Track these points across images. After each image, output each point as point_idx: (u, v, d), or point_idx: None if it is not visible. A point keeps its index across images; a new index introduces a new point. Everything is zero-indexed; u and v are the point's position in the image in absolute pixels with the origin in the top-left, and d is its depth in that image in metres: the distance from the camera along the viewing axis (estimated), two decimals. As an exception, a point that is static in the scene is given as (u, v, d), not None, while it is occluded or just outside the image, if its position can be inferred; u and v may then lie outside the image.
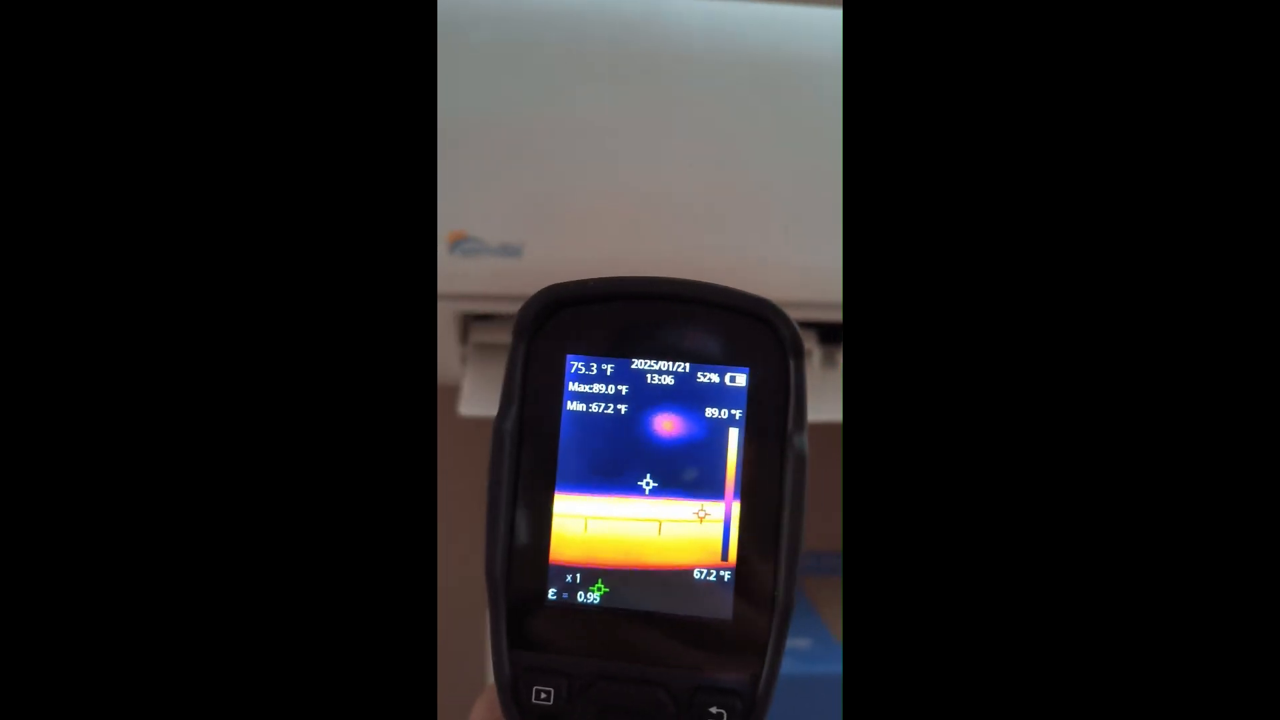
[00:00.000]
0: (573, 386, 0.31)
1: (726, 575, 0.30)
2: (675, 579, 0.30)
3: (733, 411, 0.30)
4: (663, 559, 0.30)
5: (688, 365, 0.30)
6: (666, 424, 0.30)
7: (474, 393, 0.58)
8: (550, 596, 0.30)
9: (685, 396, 0.30)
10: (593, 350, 0.31)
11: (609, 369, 0.31)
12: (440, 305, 0.57)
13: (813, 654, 0.58)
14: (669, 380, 0.30)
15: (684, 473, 0.30)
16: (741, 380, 0.30)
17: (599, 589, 0.30)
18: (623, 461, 0.30)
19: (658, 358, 0.31)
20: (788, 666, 0.56)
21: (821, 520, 0.29)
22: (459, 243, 0.55)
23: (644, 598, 0.30)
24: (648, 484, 0.30)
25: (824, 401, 0.57)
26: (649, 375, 0.30)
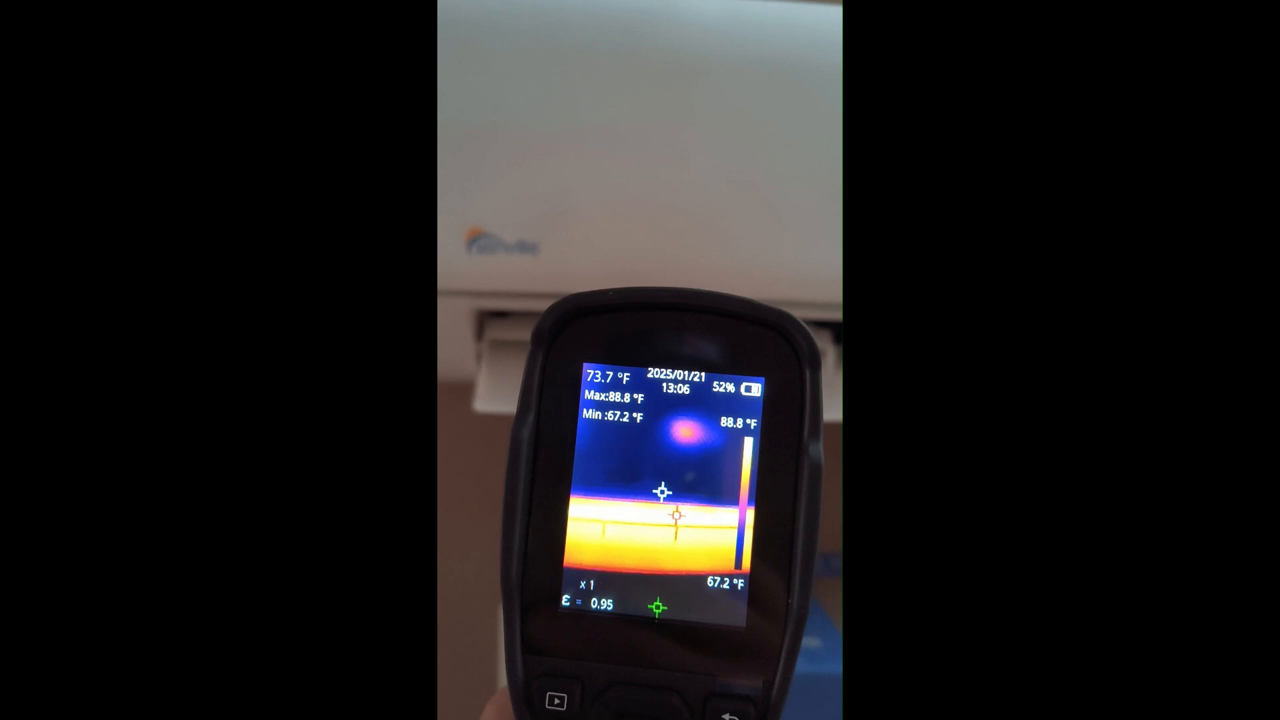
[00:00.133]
0: (589, 395, 0.31)
1: (740, 583, 0.30)
2: (689, 585, 0.30)
3: (748, 421, 0.30)
4: (677, 565, 0.30)
5: (703, 375, 0.31)
6: (682, 432, 0.31)
7: (489, 389, 0.59)
8: (564, 602, 0.30)
9: (701, 405, 0.31)
10: (609, 359, 0.31)
11: (625, 378, 0.31)
12: (456, 302, 0.58)
13: (823, 654, 0.59)
14: (685, 389, 0.31)
15: (699, 480, 0.30)
16: (757, 390, 0.31)
17: (612, 595, 0.30)
18: (638, 469, 0.30)
19: (673, 367, 0.31)
20: (798, 666, 0.57)
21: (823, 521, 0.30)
22: (476, 239, 0.55)
23: (658, 604, 0.30)
24: (662, 491, 0.30)
25: (839, 401, 0.58)
26: (665, 384, 0.31)
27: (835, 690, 0.56)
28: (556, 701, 0.30)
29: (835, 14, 0.54)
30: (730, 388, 0.31)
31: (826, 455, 0.30)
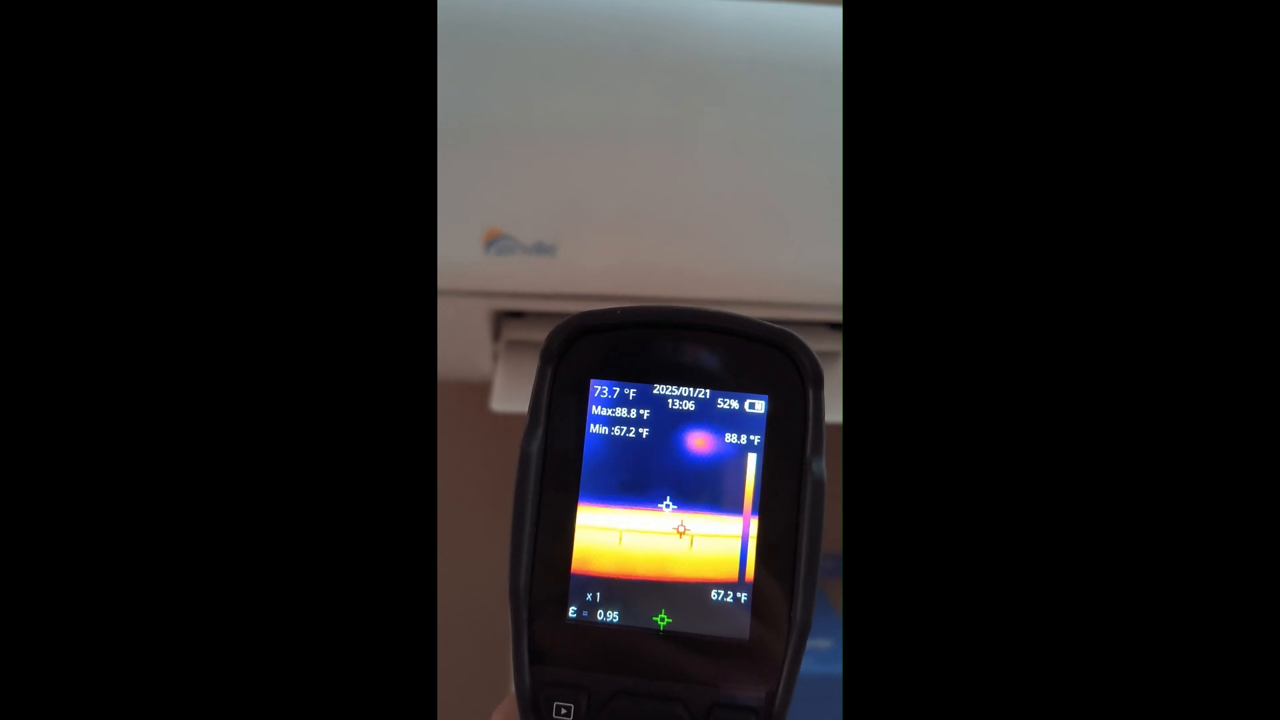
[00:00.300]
0: (596, 410, 0.31)
1: (744, 595, 0.31)
2: (693, 597, 0.31)
3: (751, 437, 0.31)
4: (681, 574, 0.31)
5: (708, 392, 0.31)
6: (686, 447, 0.31)
7: (506, 389, 0.59)
8: (571, 613, 0.31)
9: (705, 421, 0.31)
10: (616, 375, 0.32)
11: (631, 393, 0.31)
12: (474, 302, 0.58)
13: (834, 655, 0.59)
14: (689, 405, 0.31)
15: (703, 493, 0.31)
16: (760, 407, 0.31)
17: (618, 606, 0.31)
18: (643, 483, 0.31)
19: (679, 384, 0.31)
20: (809, 666, 0.57)
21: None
22: (494, 241, 0.56)
23: (662, 616, 0.31)
24: (667, 504, 0.31)
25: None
26: (670, 400, 0.31)
27: (846, 690, 0.56)
28: (563, 711, 0.30)
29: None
30: (734, 404, 0.31)
31: (826, 455, 0.31)
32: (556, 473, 0.31)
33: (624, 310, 0.32)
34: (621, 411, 0.31)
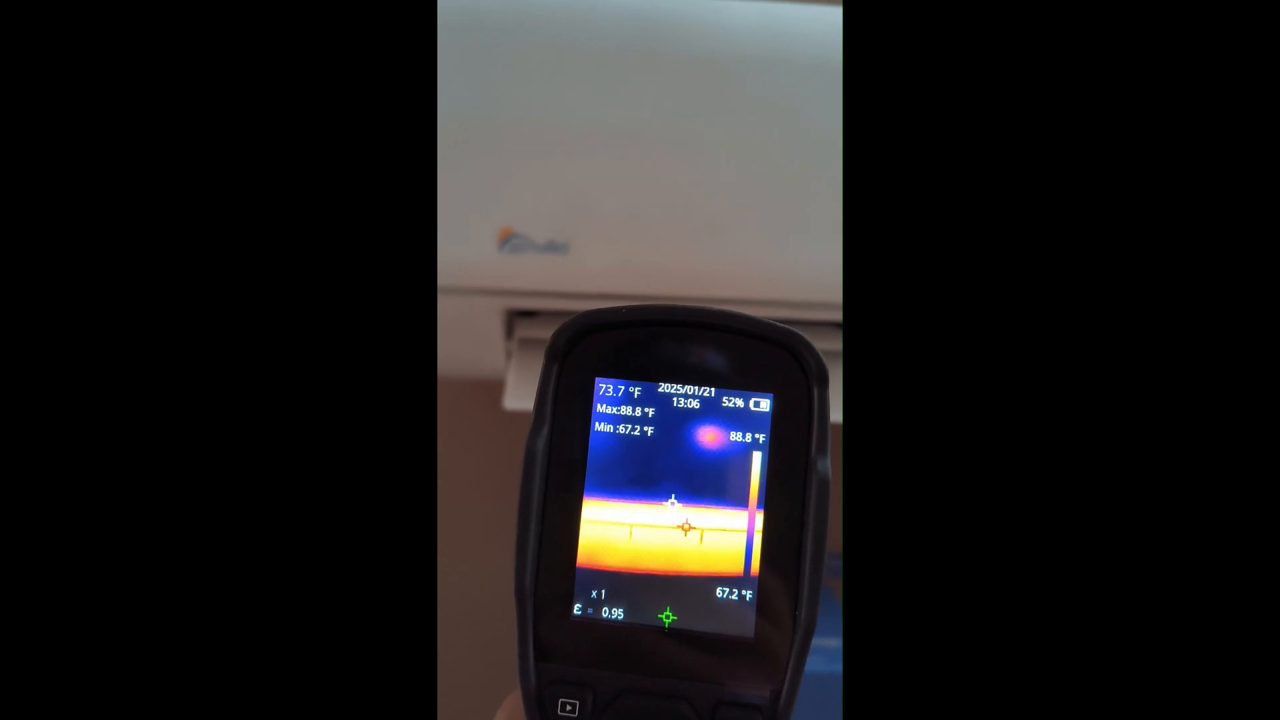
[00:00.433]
0: (601, 408, 0.32)
1: (749, 593, 0.31)
2: (698, 595, 0.31)
3: (756, 435, 0.31)
4: (687, 568, 0.31)
5: (713, 390, 0.31)
6: (691, 445, 0.31)
7: (518, 387, 0.59)
8: (576, 610, 0.31)
9: (710, 420, 0.31)
10: (621, 373, 0.32)
11: (636, 392, 0.32)
12: (486, 301, 0.59)
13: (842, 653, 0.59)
14: (695, 404, 0.31)
15: (708, 491, 0.31)
16: (765, 406, 0.31)
17: (623, 604, 0.31)
18: (648, 480, 0.31)
19: (684, 382, 0.32)
20: (821, 665, 0.57)
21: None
22: (507, 240, 0.56)
23: (667, 614, 0.31)
24: (672, 502, 0.31)
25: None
26: (675, 399, 0.31)
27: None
28: (568, 708, 0.30)
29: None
30: (739, 403, 0.31)
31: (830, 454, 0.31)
32: (562, 470, 0.31)
33: (629, 309, 0.32)
34: (627, 410, 0.32)
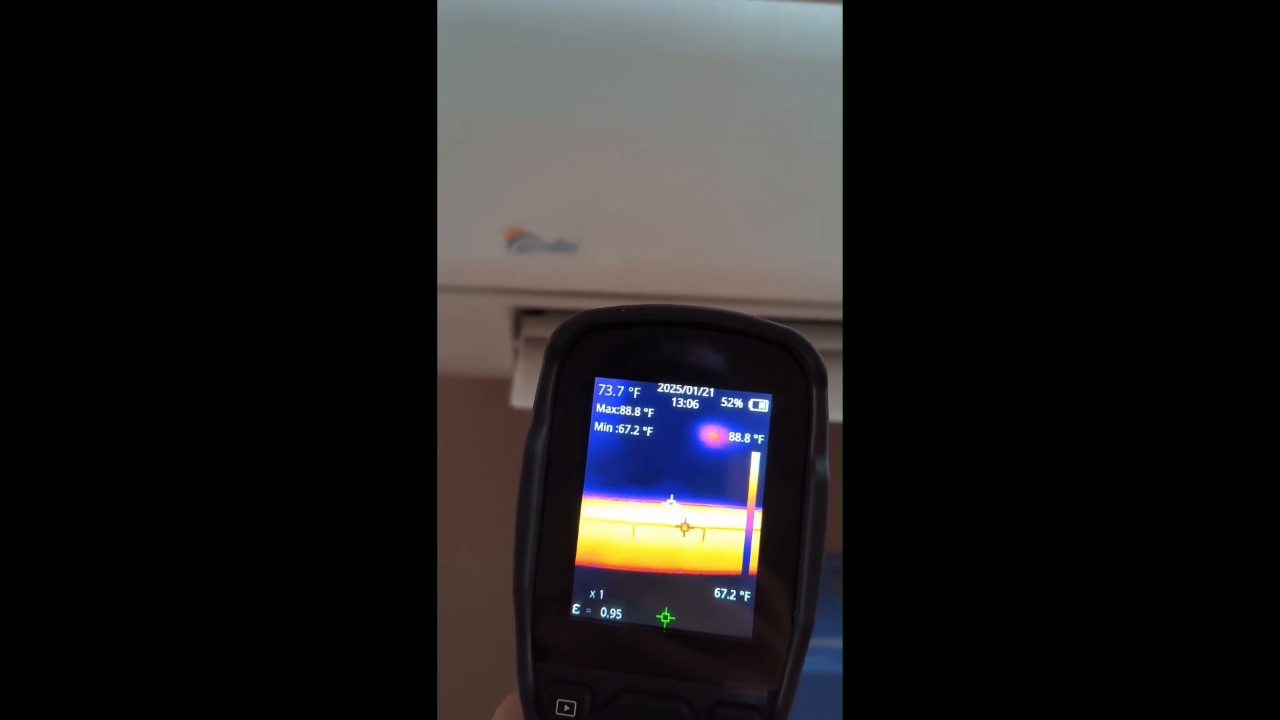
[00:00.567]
0: (601, 408, 0.32)
1: (747, 594, 0.31)
2: (697, 595, 0.31)
3: (755, 436, 0.31)
4: (685, 566, 0.31)
5: (712, 390, 0.31)
6: (690, 446, 0.31)
7: (526, 385, 0.59)
8: (575, 610, 0.31)
9: (709, 420, 0.31)
10: (621, 373, 0.32)
11: (636, 392, 0.32)
12: (495, 299, 0.59)
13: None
14: (694, 404, 0.31)
15: (707, 491, 0.31)
16: (764, 406, 0.31)
17: (622, 604, 0.31)
18: (647, 480, 0.31)
19: (683, 382, 0.32)
20: (822, 665, 0.57)
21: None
22: (516, 238, 0.56)
23: (665, 614, 0.31)
24: (671, 502, 0.31)
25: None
26: (674, 399, 0.31)
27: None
28: (566, 708, 0.30)
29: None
30: (738, 403, 0.31)
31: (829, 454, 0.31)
32: (561, 470, 0.32)
33: (629, 308, 0.32)
34: (626, 409, 0.32)
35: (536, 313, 0.62)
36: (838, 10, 0.54)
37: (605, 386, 0.32)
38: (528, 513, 0.31)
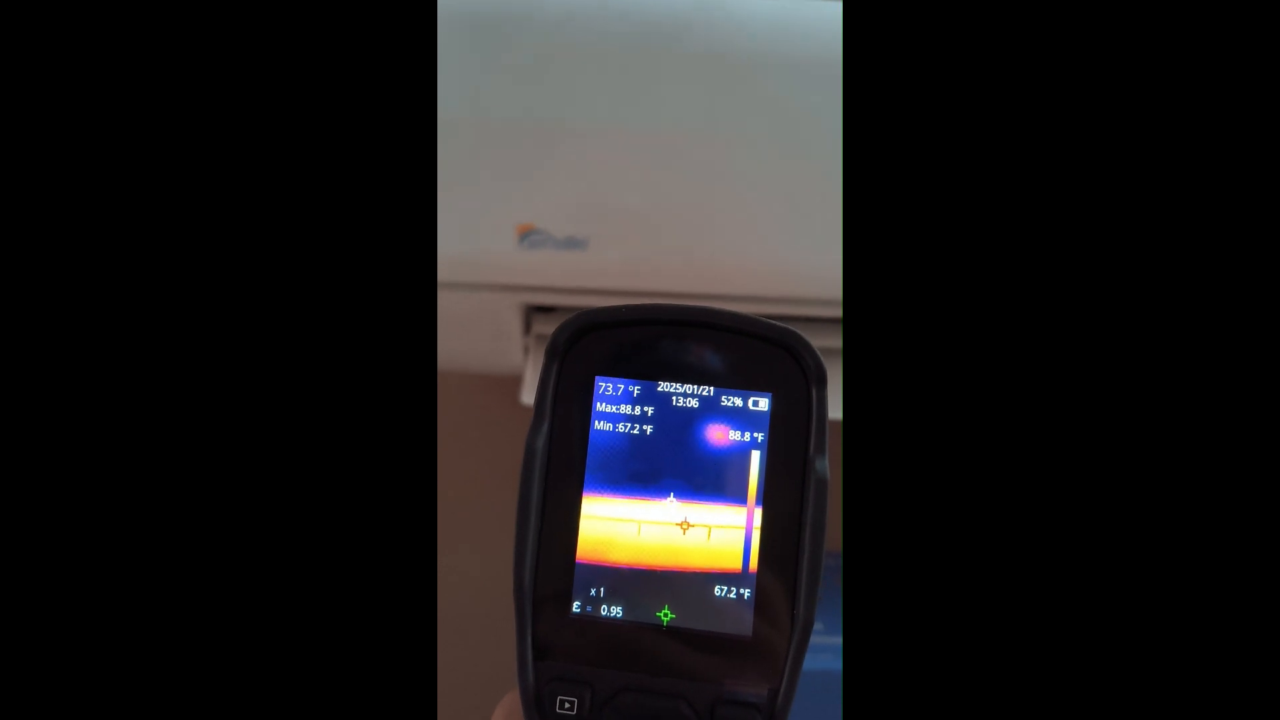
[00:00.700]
0: (601, 406, 0.32)
1: (747, 592, 0.31)
2: (697, 593, 0.31)
3: (755, 434, 0.31)
4: (685, 564, 0.31)
5: (712, 389, 0.31)
6: (690, 444, 0.31)
7: (536, 382, 0.59)
8: (575, 608, 0.31)
9: (709, 419, 0.31)
10: (621, 372, 0.32)
11: (636, 390, 0.32)
12: (505, 296, 0.59)
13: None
14: (694, 403, 0.31)
15: (707, 490, 0.31)
16: (764, 405, 0.31)
17: (622, 602, 0.31)
18: (647, 478, 0.31)
19: (683, 381, 0.32)
20: (827, 663, 0.57)
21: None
22: (527, 235, 0.56)
23: (666, 612, 0.31)
24: (671, 500, 0.31)
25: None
26: (674, 398, 0.32)
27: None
28: (567, 706, 0.30)
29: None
30: (738, 402, 0.31)
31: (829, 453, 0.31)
32: (561, 468, 0.32)
33: (629, 307, 0.32)
34: (626, 408, 0.32)
35: (547, 310, 0.62)
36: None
37: (605, 385, 0.32)
38: (528, 511, 0.31)
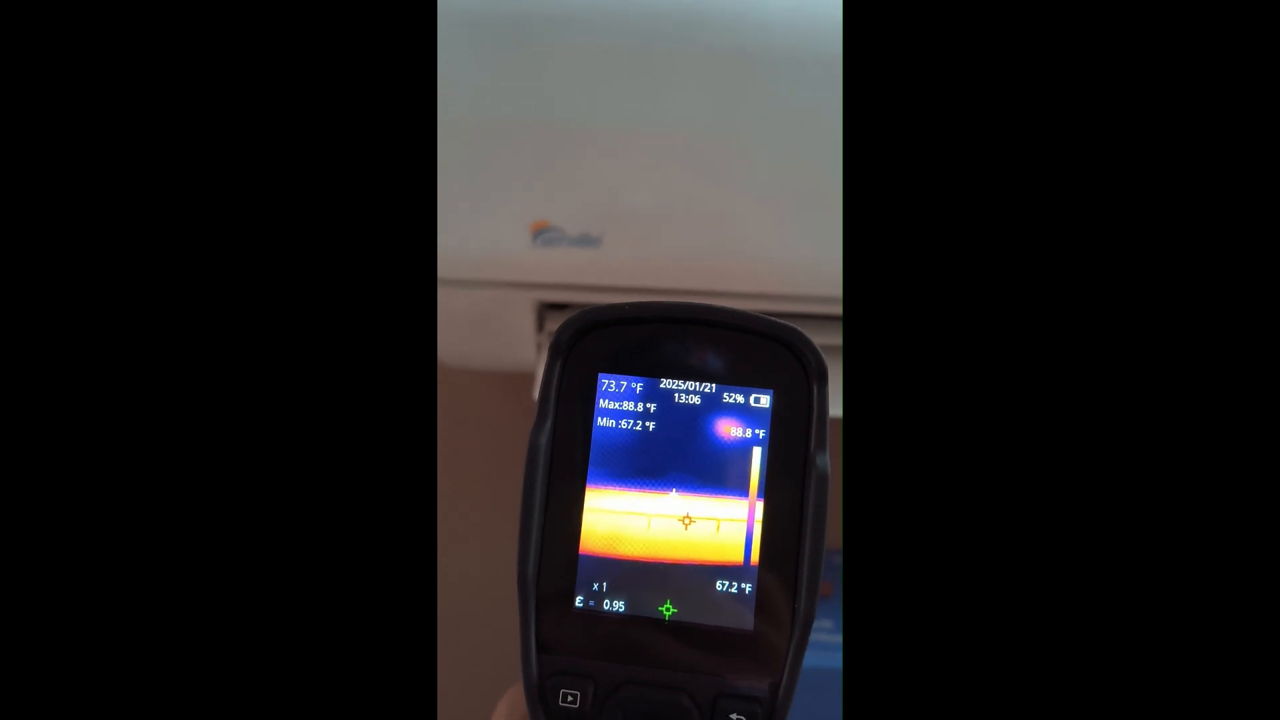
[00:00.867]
0: (604, 403, 0.32)
1: (748, 587, 0.31)
2: (698, 587, 0.31)
3: (756, 431, 0.31)
4: (687, 557, 0.31)
5: (714, 386, 0.32)
6: (692, 441, 0.32)
7: (546, 380, 0.60)
8: (578, 603, 0.31)
9: (711, 415, 0.32)
10: (624, 369, 0.32)
11: (638, 387, 0.32)
12: (518, 294, 0.59)
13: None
14: (696, 400, 0.32)
15: (708, 486, 0.31)
16: (765, 402, 0.31)
17: (624, 596, 0.31)
18: (650, 474, 0.32)
19: (685, 378, 0.32)
20: (830, 661, 0.57)
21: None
22: (541, 232, 0.56)
23: (668, 606, 0.31)
24: (673, 495, 0.31)
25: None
26: (676, 394, 0.32)
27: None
28: (569, 699, 0.31)
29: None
30: (740, 399, 0.32)
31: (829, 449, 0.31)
32: (564, 464, 0.32)
33: (632, 305, 0.32)
34: (629, 405, 0.32)
35: (560, 307, 0.62)
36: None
37: (608, 382, 0.32)
38: (531, 507, 0.32)
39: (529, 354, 0.63)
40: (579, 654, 0.31)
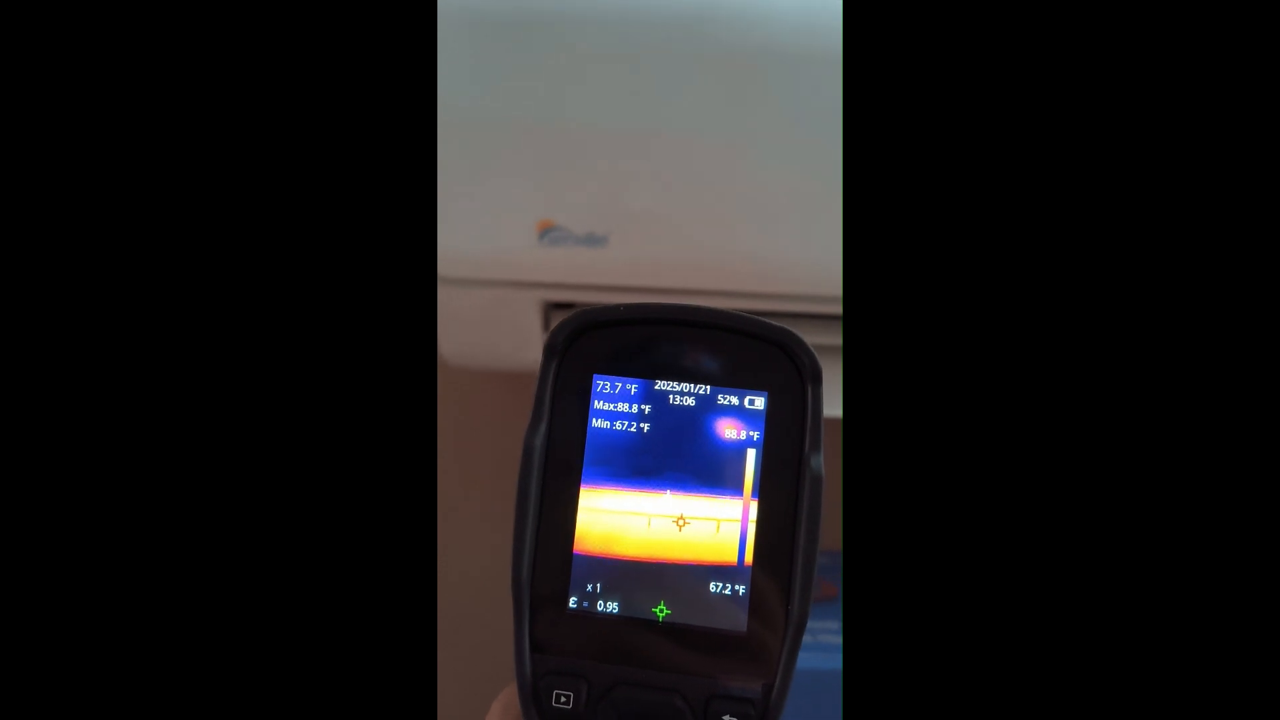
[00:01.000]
0: (598, 405, 0.32)
1: (742, 589, 0.31)
2: (692, 588, 0.31)
3: (751, 433, 0.31)
4: (681, 557, 0.31)
5: (708, 388, 0.32)
6: (687, 442, 0.32)
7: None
8: (572, 603, 0.31)
9: (705, 417, 0.32)
10: (619, 370, 0.32)
11: (633, 389, 0.32)
12: (524, 293, 0.59)
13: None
14: (690, 401, 0.32)
15: (703, 487, 0.31)
16: (760, 403, 0.31)
17: (618, 597, 0.31)
18: (644, 476, 0.32)
19: (680, 379, 0.32)
20: (827, 662, 0.57)
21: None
22: (547, 231, 0.56)
23: (661, 608, 0.31)
24: (668, 497, 0.31)
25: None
26: (671, 396, 0.32)
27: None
28: (563, 700, 0.31)
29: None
30: (735, 401, 0.32)
31: (826, 452, 0.31)
32: (559, 465, 0.32)
33: (627, 306, 0.32)
34: (623, 406, 0.32)
35: (566, 306, 0.62)
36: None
37: (603, 383, 0.32)
38: (526, 507, 0.32)
39: (535, 354, 0.62)
40: (573, 654, 0.31)
